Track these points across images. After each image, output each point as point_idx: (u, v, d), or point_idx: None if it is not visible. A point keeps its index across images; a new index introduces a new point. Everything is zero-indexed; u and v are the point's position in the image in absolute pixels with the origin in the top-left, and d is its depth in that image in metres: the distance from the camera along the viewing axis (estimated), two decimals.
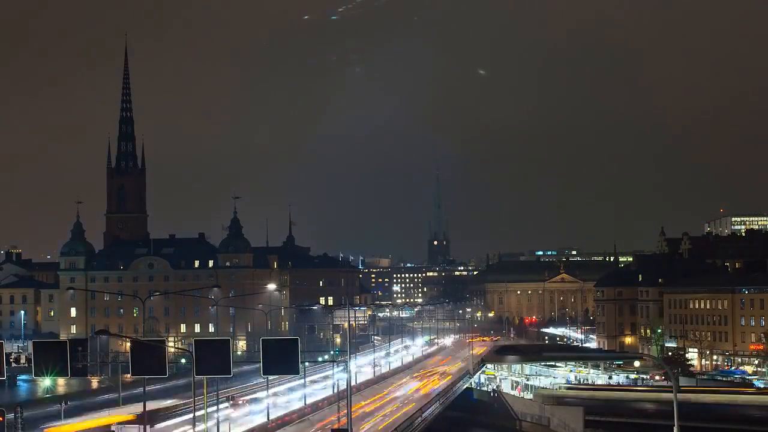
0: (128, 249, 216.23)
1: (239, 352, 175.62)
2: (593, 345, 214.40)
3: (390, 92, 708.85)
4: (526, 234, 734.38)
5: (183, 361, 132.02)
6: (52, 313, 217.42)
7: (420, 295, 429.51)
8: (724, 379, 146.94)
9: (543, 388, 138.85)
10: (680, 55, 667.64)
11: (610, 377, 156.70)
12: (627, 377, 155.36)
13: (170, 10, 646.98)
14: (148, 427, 68.15)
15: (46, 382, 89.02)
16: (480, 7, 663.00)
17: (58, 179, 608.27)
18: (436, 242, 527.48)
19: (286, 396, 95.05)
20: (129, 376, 60.71)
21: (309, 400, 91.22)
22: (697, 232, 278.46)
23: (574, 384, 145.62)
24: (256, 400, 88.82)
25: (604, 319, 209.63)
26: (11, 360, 61.74)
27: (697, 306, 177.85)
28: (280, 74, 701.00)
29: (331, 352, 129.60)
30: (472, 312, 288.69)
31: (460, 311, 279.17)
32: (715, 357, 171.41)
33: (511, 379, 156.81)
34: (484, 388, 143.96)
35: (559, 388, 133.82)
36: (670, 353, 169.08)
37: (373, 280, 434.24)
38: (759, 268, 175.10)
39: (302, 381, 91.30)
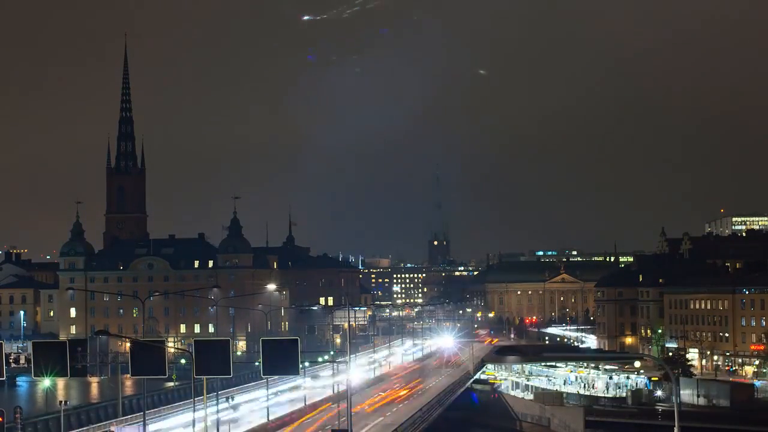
0: (128, 249, 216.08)
1: (239, 353, 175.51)
2: (593, 345, 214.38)
3: (390, 92, 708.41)
4: (526, 234, 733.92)
5: (183, 361, 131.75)
6: (51, 314, 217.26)
7: (420, 295, 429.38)
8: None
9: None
10: (682, 56, 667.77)
11: (611, 377, 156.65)
12: (627, 377, 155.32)
13: (170, 10, 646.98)
14: (147, 427, 68.11)
15: (45, 382, 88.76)
16: (480, 7, 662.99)
17: (58, 179, 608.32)
18: (436, 242, 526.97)
19: None
20: (128, 376, 60.45)
21: None
22: (698, 233, 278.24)
23: None
24: None
25: (604, 320, 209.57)
26: (11, 360, 61.69)
27: (697, 306, 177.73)
28: (280, 74, 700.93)
29: (331, 353, 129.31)
30: (473, 312, 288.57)
31: (461, 311, 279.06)
32: (715, 357, 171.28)
33: (512, 380, 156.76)
34: (485, 389, 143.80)
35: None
36: (670, 354, 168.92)
37: (373, 280, 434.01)
38: (759, 268, 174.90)
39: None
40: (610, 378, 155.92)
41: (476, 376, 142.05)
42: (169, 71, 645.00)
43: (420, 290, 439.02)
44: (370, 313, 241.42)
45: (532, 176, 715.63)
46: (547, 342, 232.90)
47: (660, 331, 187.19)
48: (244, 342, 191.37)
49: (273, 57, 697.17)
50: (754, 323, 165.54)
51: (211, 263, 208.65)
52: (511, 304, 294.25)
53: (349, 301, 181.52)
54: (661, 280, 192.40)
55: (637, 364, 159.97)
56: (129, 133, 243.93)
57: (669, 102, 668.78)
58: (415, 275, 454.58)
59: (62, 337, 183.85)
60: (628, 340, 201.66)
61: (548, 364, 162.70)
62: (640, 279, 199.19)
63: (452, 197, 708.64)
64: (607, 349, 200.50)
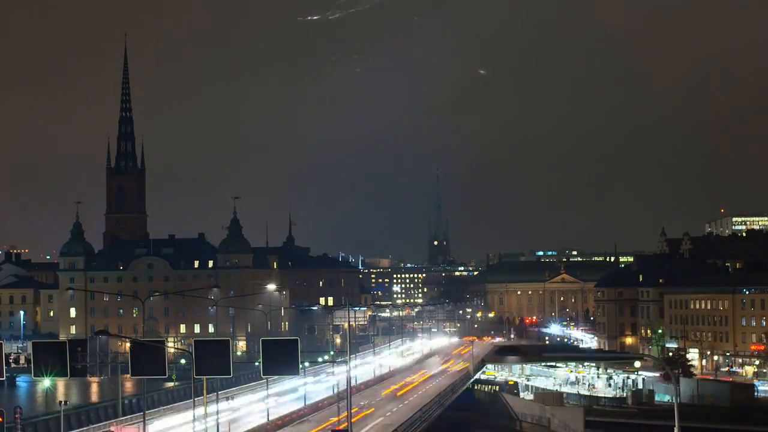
0: (128, 249, 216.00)
1: (239, 353, 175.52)
2: (594, 345, 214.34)
3: (390, 92, 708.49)
4: (526, 234, 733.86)
5: (183, 361, 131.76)
6: (51, 314, 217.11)
7: (420, 295, 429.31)
8: None
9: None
10: (683, 57, 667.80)
11: (610, 377, 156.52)
12: (627, 378, 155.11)
13: (170, 10, 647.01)
14: (147, 427, 68.11)
15: (45, 382, 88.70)
16: (480, 7, 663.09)
17: (58, 179, 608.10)
18: (436, 242, 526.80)
19: None
20: (128, 376, 60.39)
21: None
22: (698, 233, 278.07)
23: None
24: None
25: (604, 320, 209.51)
26: (11, 360, 61.52)
27: (697, 306, 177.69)
28: (280, 74, 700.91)
29: (331, 353, 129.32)
30: (473, 312, 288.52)
31: (461, 312, 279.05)
32: (715, 357, 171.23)
33: (512, 380, 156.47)
34: (485, 389, 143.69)
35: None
36: (670, 354, 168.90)
37: (373, 280, 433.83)
38: (760, 268, 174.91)
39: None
40: (610, 378, 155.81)
41: (476, 376, 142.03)
42: (169, 71, 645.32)
43: (420, 290, 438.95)
44: (370, 313, 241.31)
45: (533, 176, 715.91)
46: (547, 342, 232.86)
47: (660, 331, 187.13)
48: (244, 342, 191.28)
49: (273, 57, 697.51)
50: (754, 323, 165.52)
51: (211, 263, 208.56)
52: (511, 304, 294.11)
53: (349, 301, 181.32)
54: (661, 280, 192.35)
55: (638, 364, 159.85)
56: (129, 133, 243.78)
57: (669, 102, 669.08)
58: (415, 275, 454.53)
59: (62, 337, 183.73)
60: (628, 340, 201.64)
61: (548, 364, 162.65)
62: (640, 279, 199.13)
63: (452, 197, 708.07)
64: (607, 349, 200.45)
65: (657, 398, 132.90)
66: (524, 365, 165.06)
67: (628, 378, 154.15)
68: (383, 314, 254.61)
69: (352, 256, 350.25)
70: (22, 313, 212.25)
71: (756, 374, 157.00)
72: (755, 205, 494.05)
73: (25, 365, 61.51)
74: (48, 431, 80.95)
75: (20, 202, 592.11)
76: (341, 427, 70.95)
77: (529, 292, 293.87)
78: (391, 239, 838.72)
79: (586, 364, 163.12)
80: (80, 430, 75.77)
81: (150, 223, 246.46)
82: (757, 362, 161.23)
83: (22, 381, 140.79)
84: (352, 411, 71.34)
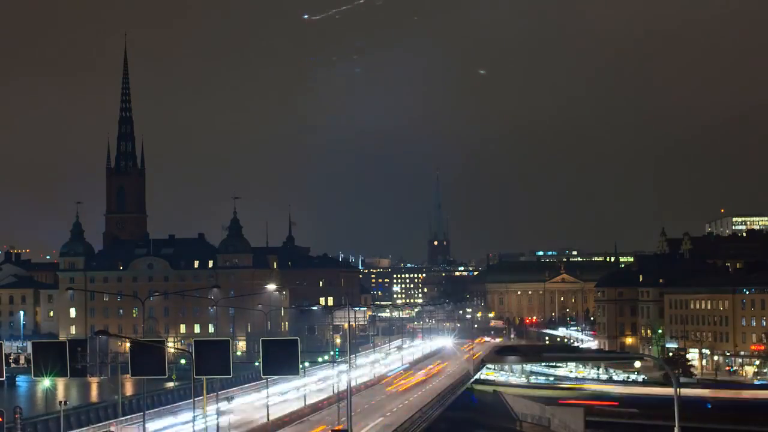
0: (128, 249, 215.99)
1: (239, 353, 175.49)
2: (594, 345, 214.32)
3: (390, 92, 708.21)
4: (526, 234, 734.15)
5: (182, 361, 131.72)
6: (51, 314, 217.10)
7: (420, 295, 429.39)
8: None
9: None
10: (682, 57, 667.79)
11: (610, 377, 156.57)
12: (627, 378, 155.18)
13: (170, 10, 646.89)
14: (147, 427, 68.08)
15: (45, 382, 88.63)
16: (480, 7, 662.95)
17: (58, 179, 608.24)
18: (436, 242, 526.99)
19: None
20: (128, 376, 60.36)
21: None
22: (698, 233, 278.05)
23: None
24: None
25: (604, 320, 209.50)
26: (11, 360, 61.44)
27: (697, 306, 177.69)
28: (280, 74, 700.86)
29: (331, 353, 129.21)
30: (473, 312, 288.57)
31: (461, 312, 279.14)
32: (716, 357, 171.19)
33: (512, 380, 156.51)
34: (485, 389, 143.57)
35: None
36: (670, 354, 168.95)
37: (373, 280, 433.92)
38: (760, 268, 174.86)
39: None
40: (610, 378, 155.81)
41: (476, 376, 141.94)
42: (169, 71, 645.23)
43: (420, 290, 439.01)
44: (370, 313, 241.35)
45: (533, 176, 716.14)
46: (547, 342, 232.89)
47: (660, 331, 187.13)
48: (244, 342, 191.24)
49: (273, 57, 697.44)
50: (754, 323, 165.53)
51: (211, 263, 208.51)
52: (511, 304, 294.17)
53: (349, 301, 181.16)
54: (661, 280, 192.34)
55: (637, 364, 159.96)
56: (129, 133, 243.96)
57: (670, 102, 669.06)
58: (415, 275, 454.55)
59: (62, 337, 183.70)
60: (629, 340, 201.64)
61: (548, 364, 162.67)
62: (640, 279, 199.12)
63: (452, 197, 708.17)
64: (607, 349, 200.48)
65: None
66: (524, 365, 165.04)
67: (628, 378, 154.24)
68: (383, 314, 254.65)
69: (352, 256, 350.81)
70: (22, 313, 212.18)
71: (756, 374, 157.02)
72: (755, 205, 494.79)
73: (25, 365, 61.40)
74: (48, 431, 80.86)
75: (20, 202, 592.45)
76: (340, 426, 70.94)
77: (530, 293, 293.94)
78: (391, 239, 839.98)
79: (585, 364, 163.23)
80: (80, 430, 75.69)
81: (150, 223, 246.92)
82: (758, 362, 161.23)
83: (22, 381, 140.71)
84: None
